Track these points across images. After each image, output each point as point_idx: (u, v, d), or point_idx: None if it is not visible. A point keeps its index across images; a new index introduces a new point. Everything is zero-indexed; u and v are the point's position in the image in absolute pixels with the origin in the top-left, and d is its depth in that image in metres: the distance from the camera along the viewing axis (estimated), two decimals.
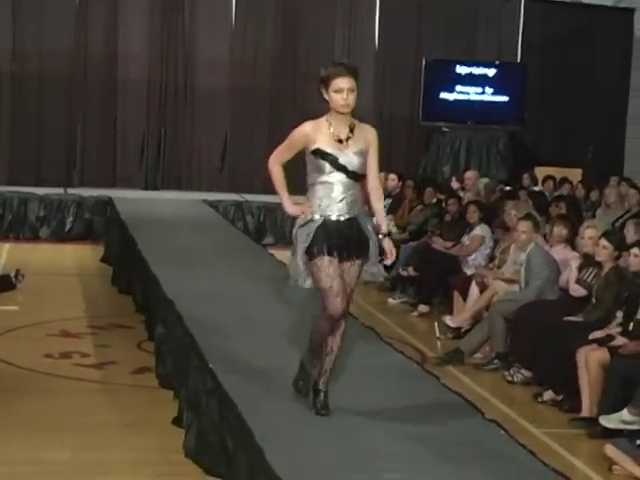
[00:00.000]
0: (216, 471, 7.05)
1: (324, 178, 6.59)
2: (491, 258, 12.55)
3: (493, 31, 20.40)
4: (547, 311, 9.62)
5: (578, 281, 10.61)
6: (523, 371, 9.89)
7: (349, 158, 6.57)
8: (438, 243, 13.58)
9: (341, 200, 6.60)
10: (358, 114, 22.32)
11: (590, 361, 8.91)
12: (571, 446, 8.30)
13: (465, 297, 11.76)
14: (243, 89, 19.81)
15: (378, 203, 6.86)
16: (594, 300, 10.06)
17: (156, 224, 14.91)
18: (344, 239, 6.59)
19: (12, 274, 13.53)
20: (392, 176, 16.90)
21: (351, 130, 6.62)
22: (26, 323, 11.58)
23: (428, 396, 7.58)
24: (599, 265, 10.19)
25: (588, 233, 10.70)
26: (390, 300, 13.84)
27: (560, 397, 9.46)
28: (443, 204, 15.18)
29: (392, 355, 8.93)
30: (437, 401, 7.43)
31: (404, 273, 13.87)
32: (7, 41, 19.37)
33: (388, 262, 6.89)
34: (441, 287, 12.90)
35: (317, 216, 6.59)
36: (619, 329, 9.40)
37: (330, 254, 6.53)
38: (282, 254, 15.53)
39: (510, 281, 11.23)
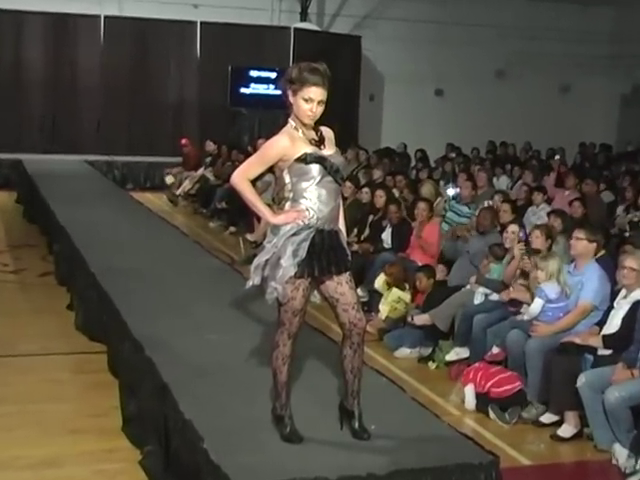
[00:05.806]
0: (97, 338, 6.93)
1: (313, 185, 4.06)
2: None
3: (274, 49, 20.17)
4: None
5: None
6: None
7: (335, 159, 4.14)
8: None
9: (330, 209, 4.11)
10: (188, 103, 21.35)
11: None
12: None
13: (259, 221, 11.72)
14: (110, 85, 19.14)
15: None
16: None
17: (52, 177, 14.31)
18: (333, 253, 4.11)
19: None
20: (210, 142, 16.81)
21: (316, 132, 4.17)
22: None
23: (234, 284, 7.58)
24: (345, 198, 10.56)
25: None
26: (210, 224, 13.74)
27: None
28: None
29: (210, 259, 8.94)
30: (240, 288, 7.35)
31: (219, 206, 13.80)
32: None
33: None
34: (244, 215, 12.85)
35: (310, 226, 4.05)
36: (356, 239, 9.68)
37: (320, 273, 4.08)
38: (138, 195, 15.30)
39: None
